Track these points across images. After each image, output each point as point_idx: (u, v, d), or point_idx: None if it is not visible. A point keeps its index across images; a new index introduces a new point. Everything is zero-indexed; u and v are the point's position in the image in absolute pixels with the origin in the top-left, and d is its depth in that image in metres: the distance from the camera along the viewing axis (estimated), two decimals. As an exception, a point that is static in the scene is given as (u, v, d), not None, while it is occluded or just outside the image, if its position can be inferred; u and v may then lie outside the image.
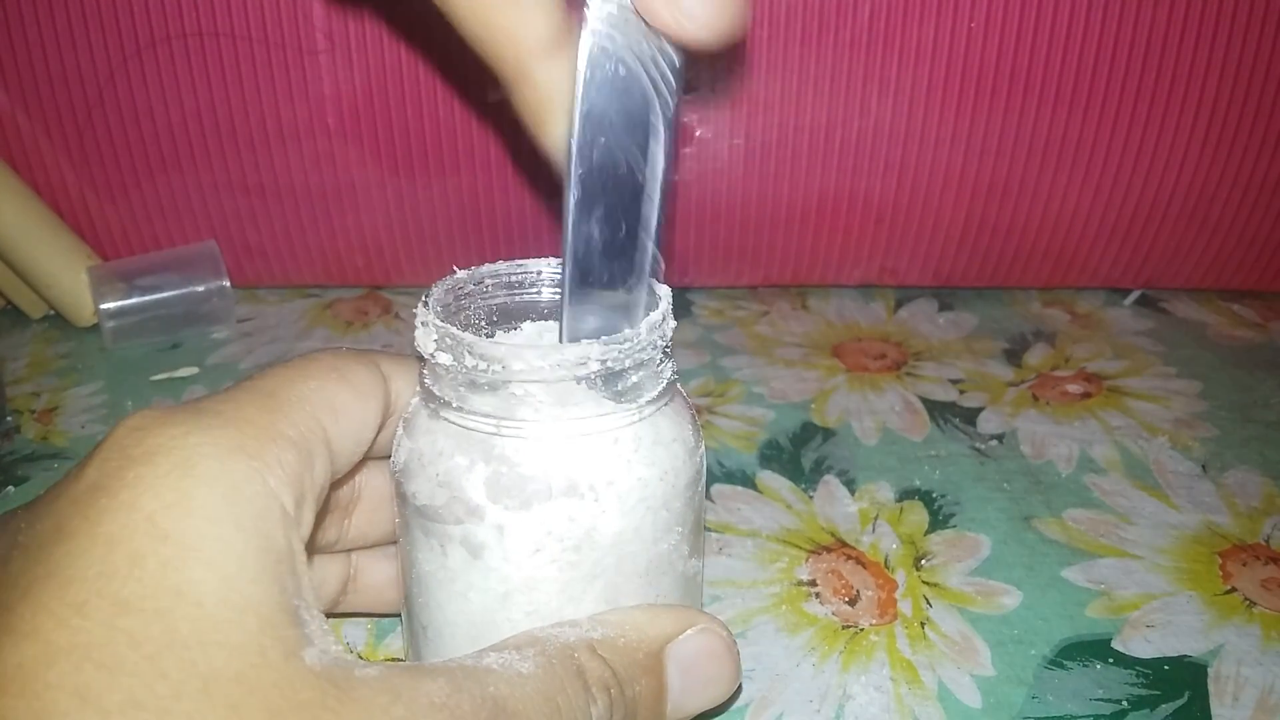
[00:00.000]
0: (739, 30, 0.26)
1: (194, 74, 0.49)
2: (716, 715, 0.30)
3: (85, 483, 0.21)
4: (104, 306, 0.52)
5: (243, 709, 0.18)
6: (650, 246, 0.26)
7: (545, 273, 0.29)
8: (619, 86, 0.25)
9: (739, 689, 0.30)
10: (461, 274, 0.28)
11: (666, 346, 0.26)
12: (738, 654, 0.27)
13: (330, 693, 0.19)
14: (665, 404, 0.26)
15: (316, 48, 0.48)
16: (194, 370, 0.51)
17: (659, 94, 0.25)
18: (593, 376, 0.24)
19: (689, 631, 0.25)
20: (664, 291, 0.27)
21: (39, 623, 0.18)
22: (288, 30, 0.48)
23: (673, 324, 0.26)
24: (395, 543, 0.28)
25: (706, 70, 0.49)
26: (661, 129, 0.26)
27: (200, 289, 0.53)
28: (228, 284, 0.53)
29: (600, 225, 0.25)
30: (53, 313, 0.56)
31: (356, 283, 0.58)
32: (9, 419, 0.46)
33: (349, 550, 0.31)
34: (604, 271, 0.26)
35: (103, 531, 0.19)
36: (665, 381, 0.26)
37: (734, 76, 0.49)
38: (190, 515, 0.20)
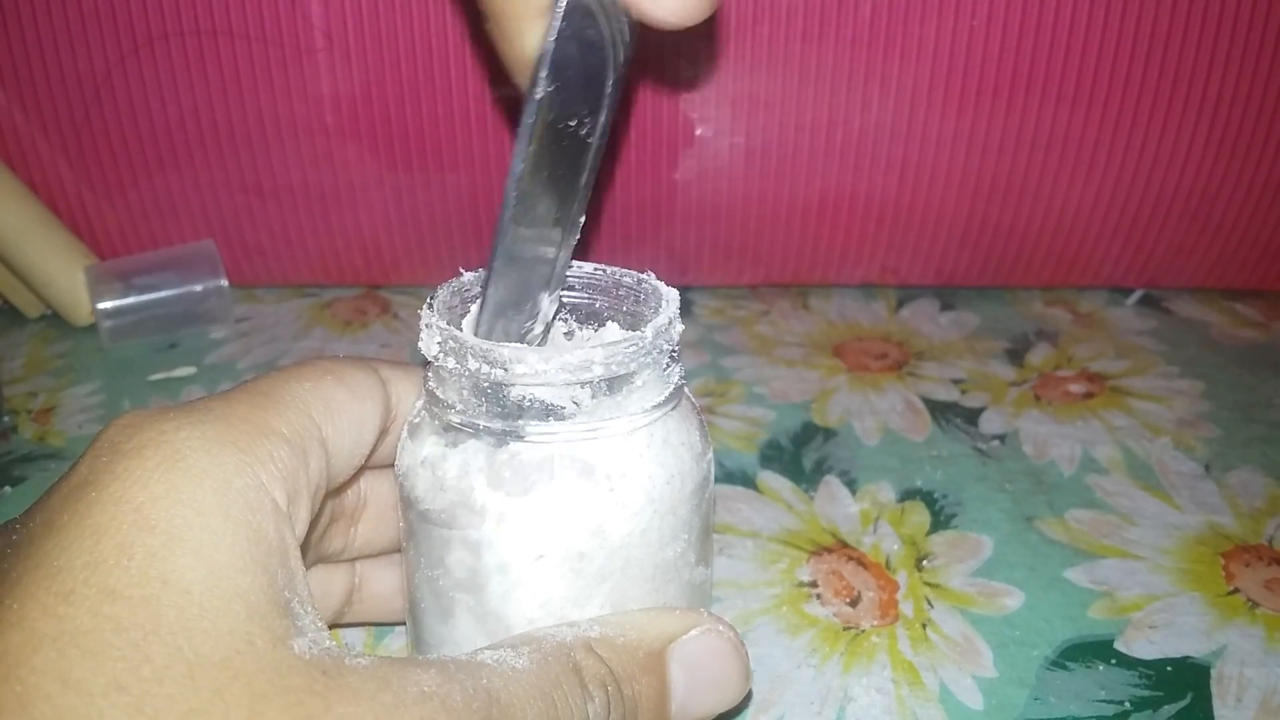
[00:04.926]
0: (706, 12, 0.26)
1: (192, 72, 0.49)
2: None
3: (76, 479, 0.21)
4: (101, 306, 0.51)
5: (227, 693, 0.18)
6: (582, 203, 0.27)
7: None
8: (584, 44, 0.24)
9: (749, 694, 0.29)
10: (467, 276, 0.28)
11: (674, 350, 0.26)
12: (746, 656, 0.26)
13: (318, 679, 0.19)
14: (673, 408, 0.26)
15: (315, 46, 0.48)
16: (191, 370, 0.50)
17: (614, 65, 0.25)
18: (597, 381, 0.24)
19: (693, 631, 0.25)
20: (670, 295, 0.27)
21: (26, 611, 0.18)
22: (286, 28, 0.48)
23: (680, 328, 0.26)
24: (401, 550, 0.28)
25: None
26: (606, 102, 0.25)
27: (198, 288, 0.53)
28: (225, 283, 0.53)
29: (546, 171, 0.25)
30: (50, 312, 0.55)
31: (355, 282, 0.58)
32: (6, 419, 0.46)
33: (355, 559, 0.30)
34: (539, 217, 0.26)
35: (91, 523, 0.20)
36: (672, 386, 0.26)
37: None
38: (178, 506, 0.20)
